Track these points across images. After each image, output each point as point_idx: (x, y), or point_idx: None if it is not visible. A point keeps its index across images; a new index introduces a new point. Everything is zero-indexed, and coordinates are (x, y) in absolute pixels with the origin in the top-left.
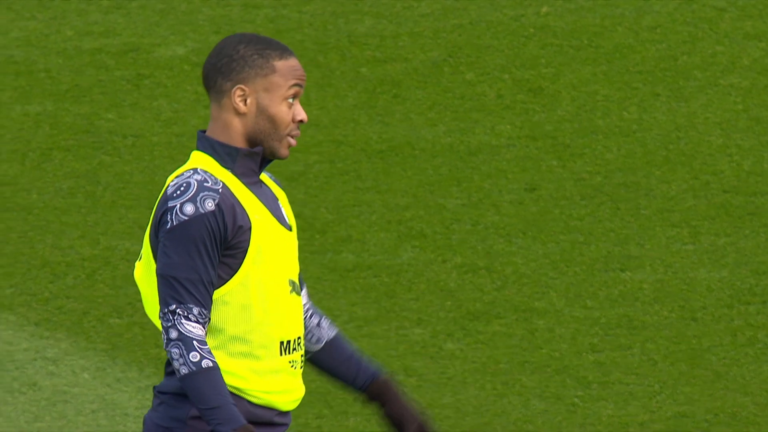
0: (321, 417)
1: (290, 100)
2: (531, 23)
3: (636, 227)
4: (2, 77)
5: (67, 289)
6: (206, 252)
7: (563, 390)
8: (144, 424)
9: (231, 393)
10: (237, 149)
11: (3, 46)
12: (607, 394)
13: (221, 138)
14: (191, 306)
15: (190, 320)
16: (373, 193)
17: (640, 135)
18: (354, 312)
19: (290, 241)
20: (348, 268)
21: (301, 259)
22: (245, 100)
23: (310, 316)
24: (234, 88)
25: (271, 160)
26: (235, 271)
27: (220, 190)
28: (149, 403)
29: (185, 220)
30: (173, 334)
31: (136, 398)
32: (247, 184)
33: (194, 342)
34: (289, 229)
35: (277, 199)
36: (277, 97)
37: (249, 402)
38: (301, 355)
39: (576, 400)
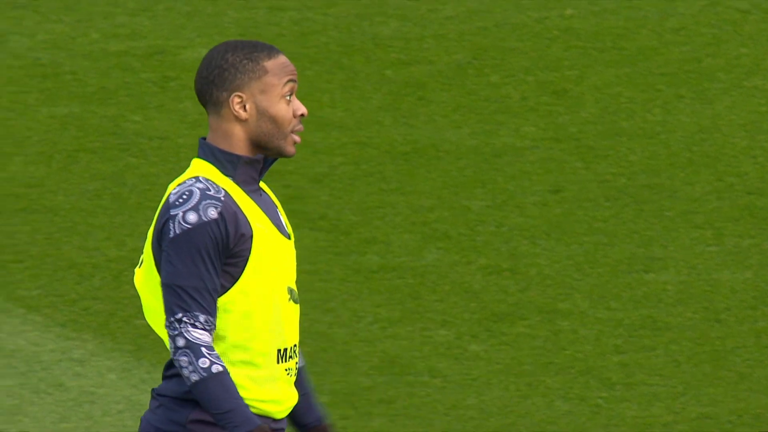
0: (346, 418)
1: (287, 97)
2: (555, 25)
3: (660, 229)
4: (29, 80)
5: (94, 290)
6: (210, 260)
7: (587, 391)
8: (141, 425)
9: None
10: (238, 157)
11: (30, 48)
12: (631, 395)
13: (222, 146)
14: (197, 314)
15: (197, 328)
16: (398, 194)
17: (664, 137)
18: (378, 313)
19: (289, 249)
20: (373, 270)
21: (327, 261)
22: (244, 106)
23: None
24: (231, 97)
25: (268, 167)
26: (237, 279)
27: (223, 199)
28: None
29: (188, 228)
30: (180, 343)
31: None
32: (248, 192)
33: (202, 348)
34: (288, 237)
35: (276, 207)
36: (275, 96)
37: None
38: (296, 363)
39: (600, 401)
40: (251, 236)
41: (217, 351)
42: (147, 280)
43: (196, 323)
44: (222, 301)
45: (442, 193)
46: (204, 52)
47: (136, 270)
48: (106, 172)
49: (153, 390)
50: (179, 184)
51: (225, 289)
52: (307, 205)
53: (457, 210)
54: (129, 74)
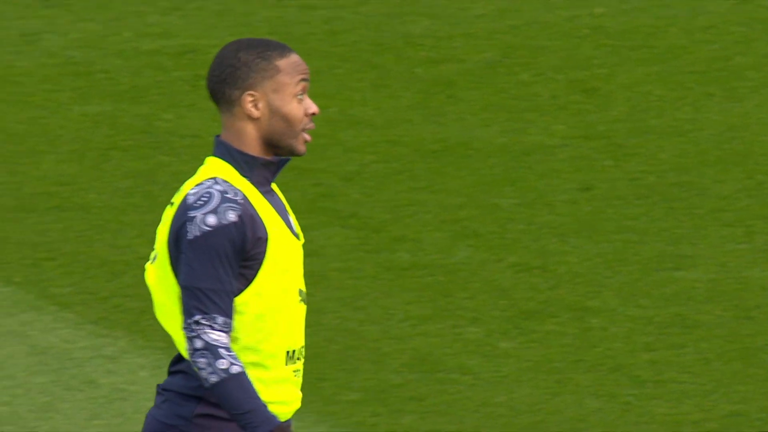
0: (376, 415)
1: (300, 96)
2: (585, 24)
3: (689, 226)
4: (61, 78)
5: (125, 287)
6: (228, 263)
7: (617, 388)
8: (146, 421)
9: None
10: (255, 158)
11: (62, 47)
12: (661, 392)
13: (236, 145)
14: (215, 315)
15: (214, 329)
16: (428, 192)
17: (693, 135)
18: (409, 311)
19: (299, 250)
20: (403, 267)
21: (358, 258)
22: (257, 105)
23: None
24: (244, 95)
25: (281, 168)
26: (251, 281)
27: (241, 202)
28: None
29: (208, 231)
30: (199, 344)
31: None
32: (263, 193)
33: (220, 349)
34: (298, 237)
35: (285, 207)
36: (287, 95)
37: None
38: (303, 364)
39: (630, 398)
40: (267, 239)
41: None
42: (161, 278)
43: (214, 325)
44: (236, 302)
45: (472, 191)
46: None
47: (147, 265)
48: (138, 170)
49: (158, 386)
50: (197, 185)
51: (239, 291)
52: (337, 203)
53: (487, 208)
54: (161, 73)
